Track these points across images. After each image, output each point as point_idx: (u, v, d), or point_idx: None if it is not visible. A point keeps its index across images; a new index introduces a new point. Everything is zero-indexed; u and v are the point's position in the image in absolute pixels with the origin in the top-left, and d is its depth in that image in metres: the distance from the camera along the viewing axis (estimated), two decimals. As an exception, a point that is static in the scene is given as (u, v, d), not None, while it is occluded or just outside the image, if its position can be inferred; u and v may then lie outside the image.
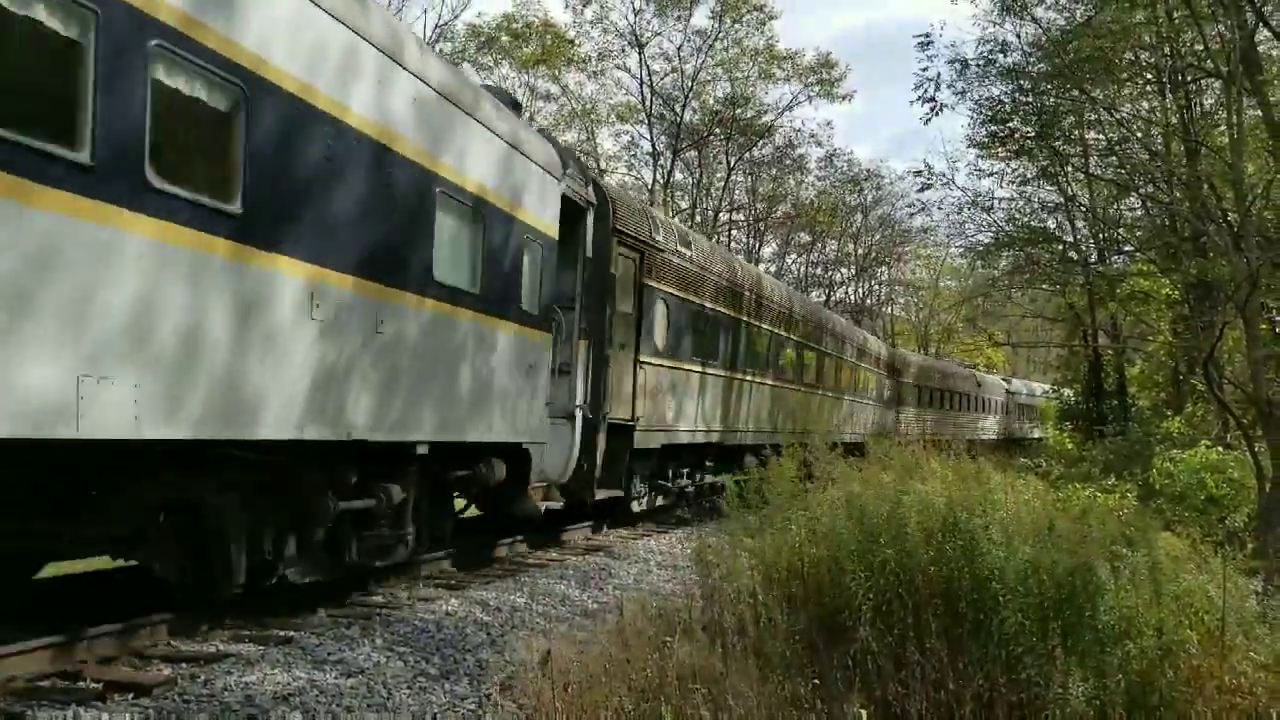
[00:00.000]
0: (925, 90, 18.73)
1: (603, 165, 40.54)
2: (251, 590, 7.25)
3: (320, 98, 6.93)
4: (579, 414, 11.87)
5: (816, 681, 5.43)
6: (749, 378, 18.80)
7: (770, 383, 20.14)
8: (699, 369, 16.21)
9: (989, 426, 45.13)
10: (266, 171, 6.46)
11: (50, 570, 8.09)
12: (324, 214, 7.03)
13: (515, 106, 11.26)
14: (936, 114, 18.51)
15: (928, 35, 19.06)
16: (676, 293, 15.24)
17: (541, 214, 10.71)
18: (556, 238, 11.11)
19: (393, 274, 7.84)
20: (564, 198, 11.35)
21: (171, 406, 5.73)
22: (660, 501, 15.89)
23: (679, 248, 15.55)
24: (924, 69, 23.84)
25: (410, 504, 8.65)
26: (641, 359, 13.89)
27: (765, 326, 19.68)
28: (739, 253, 45.01)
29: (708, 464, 17.64)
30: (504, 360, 9.85)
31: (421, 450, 8.54)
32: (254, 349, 6.37)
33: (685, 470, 16.67)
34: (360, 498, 7.98)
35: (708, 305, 16.56)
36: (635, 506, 14.76)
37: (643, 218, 14.35)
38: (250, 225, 6.30)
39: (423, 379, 8.35)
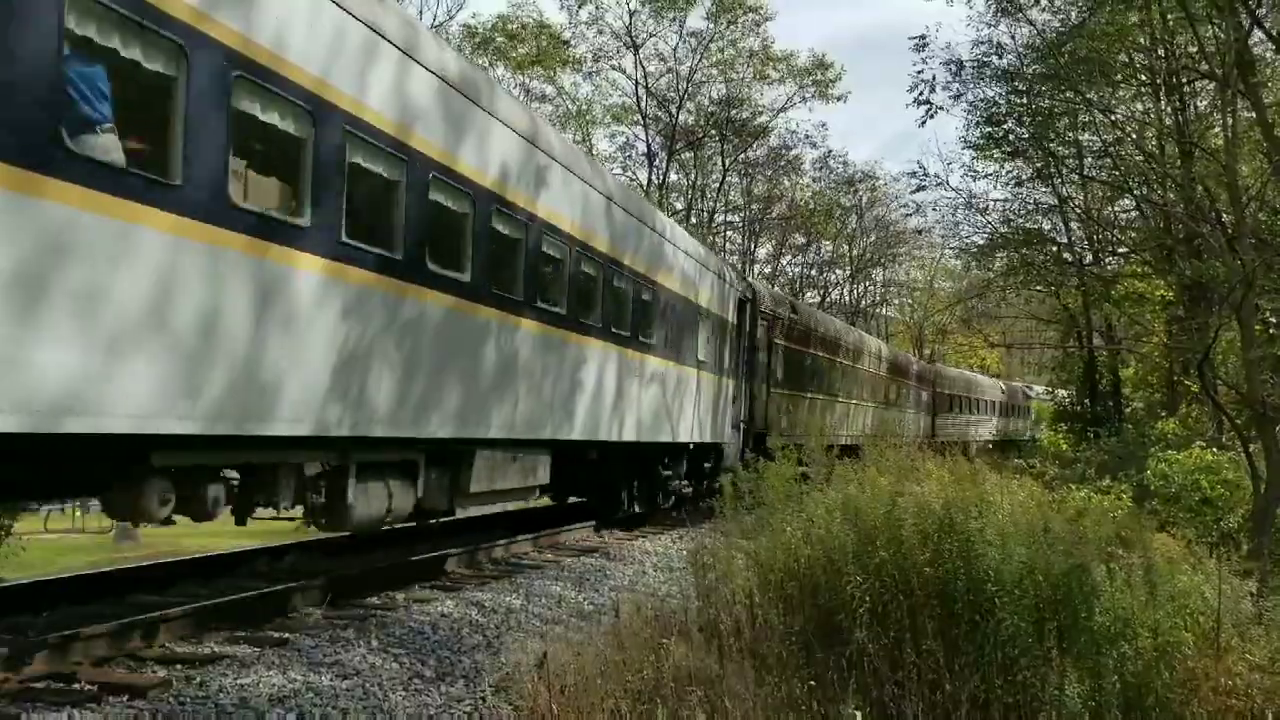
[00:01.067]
0: (920, 92, 18.76)
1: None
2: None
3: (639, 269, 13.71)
4: (741, 426, 18.94)
5: (813, 683, 5.43)
6: (839, 398, 26.67)
7: (852, 401, 28.04)
8: (805, 394, 23.28)
9: (1022, 428, 51.44)
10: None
11: (47, 571, 8.07)
12: (671, 335, 14.90)
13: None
14: (931, 116, 18.52)
15: (923, 37, 19.06)
16: (789, 344, 22.18)
17: (728, 311, 18.28)
18: (735, 322, 18.67)
19: (680, 354, 15.25)
20: (738, 300, 18.94)
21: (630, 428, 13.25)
22: None
23: (790, 315, 22.61)
24: (919, 71, 23.80)
25: (683, 472, 16.32)
26: (770, 389, 20.58)
27: (845, 361, 27.02)
28: (734, 254, 45.02)
29: None
30: (715, 395, 17.40)
31: (691, 445, 16.06)
32: (673, 401, 15.04)
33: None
34: (670, 469, 15.81)
35: (808, 350, 23.67)
36: None
37: (773, 300, 21.98)
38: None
39: (693, 406, 15.98)
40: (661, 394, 14.41)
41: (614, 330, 12.46)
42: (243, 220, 6.16)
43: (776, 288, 35.43)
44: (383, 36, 7.47)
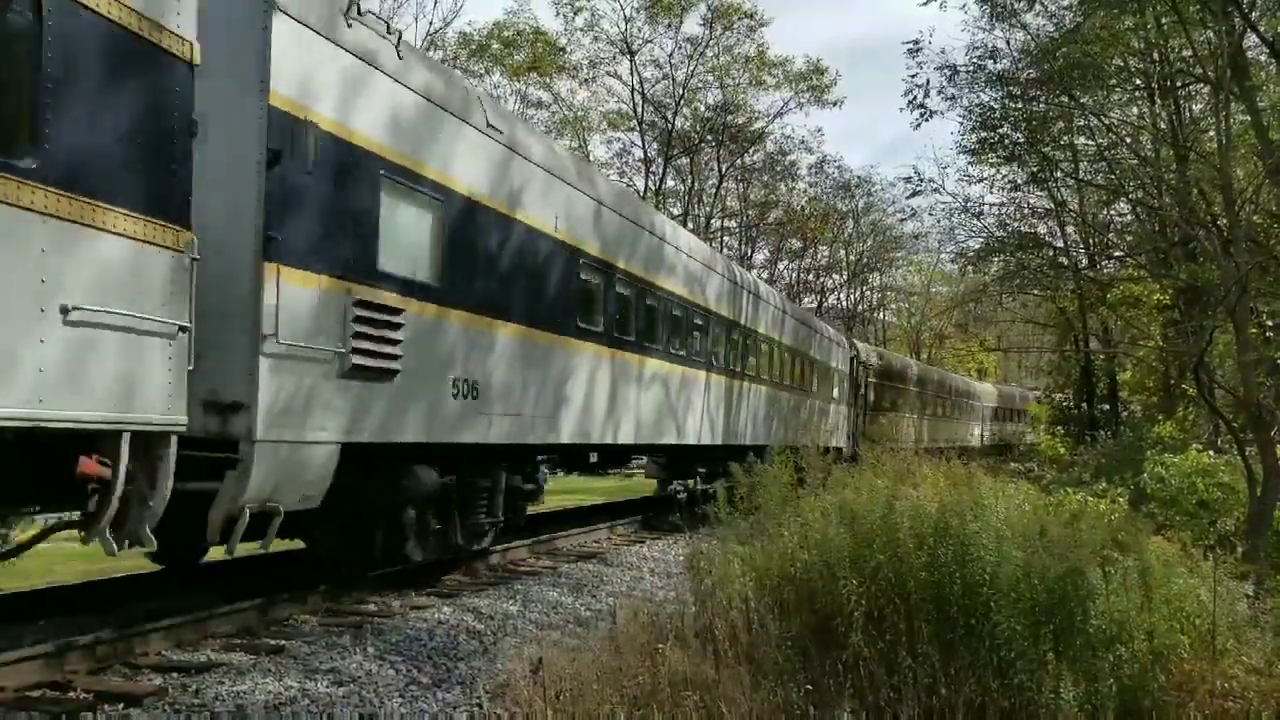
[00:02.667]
0: (915, 96, 18.82)
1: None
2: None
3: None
4: (850, 435, 27.79)
5: (809, 688, 5.43)
6: (911, 415, 35.79)
7: (924, 417, 37.63)
8: (885, 413, 32.15)
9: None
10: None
11: (46, 579, 8.05)
12: (823, 385, 25.69)
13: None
14: (926, 119, 18.58)
15: (917, 42, 19.15)
16: (876, 380, 31.77)
17: (845, 365, 28.05)
18: (848, 371, 28.39)
19: (830, 396, 26.33)
20: (849, 358, 28.59)
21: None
22: None
23: (877, 361, 32.37)
24: (913, 75, 23.83)
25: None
26: (866, 411, 30.20)
27: (912, 389, 36.37)
28: (732, 258, 45.05)
29: None
30: (842, 416, 27.54)
31: (829, 447, 21.87)
32: (825, 421, 25.77)
33: None
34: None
35: (889, 383, 33.41)
36: None
37: (866, 353, 31.55)
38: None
39: (833, 423, 26.29)
40: (823, 417, 25.35)
41: (796, 385, 22.63)
42: (587, 335, 11.94)
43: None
44: (613, 210, 12.89)
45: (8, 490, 5.66)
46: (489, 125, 9.59)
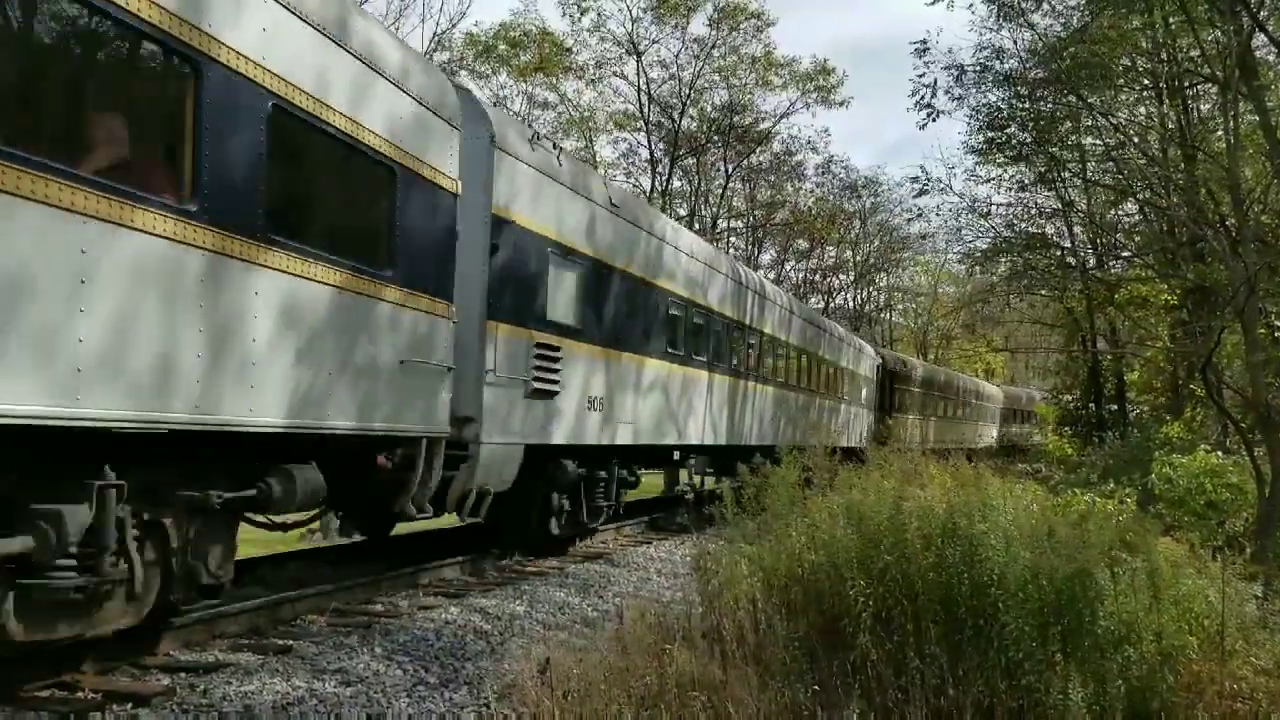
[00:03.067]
0: (922, 96, 18.79)
1: (601, 173, 40.52)
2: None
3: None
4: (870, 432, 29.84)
5: (816, 688, 5.42)
6: (928, 416, 37.75)
7: (937, 419, 39.39)
8: (907, 415, 34.60)
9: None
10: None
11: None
12: (854, 391, 29.05)
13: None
14: (933, 119, 18.55)
15: (924, 42, 19.10)
16: (913, 389, 35.60)
17: (871, 373, 30.70)
18: (874, 378, 31.13)
19: (856, 400, 29.07)
20: (875, 366, 30.93)
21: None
22: None
23: (901, 368, 34.58)
24: (920, 75, 23.79)
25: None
26: (888, 413, 32.34)
27: (936, 393, 39.06)
28: (739, 259, 45.02)
29: None
30: (867, 420, 30.14)
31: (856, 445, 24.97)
32: (852, 423, 28.55)
33: None
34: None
35: (908, 387, 35.16)
36: None
37: (891, 360, 34.19)
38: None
39: (859, 425, 29.24)
40: (848, 420, 27.78)
41: (833, 391, 26.13)
42: (674, 358, 15.01)
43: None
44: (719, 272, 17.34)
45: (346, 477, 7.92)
46: (611, 204, 12.77)
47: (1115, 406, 30.99)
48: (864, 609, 5.80)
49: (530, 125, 10.62)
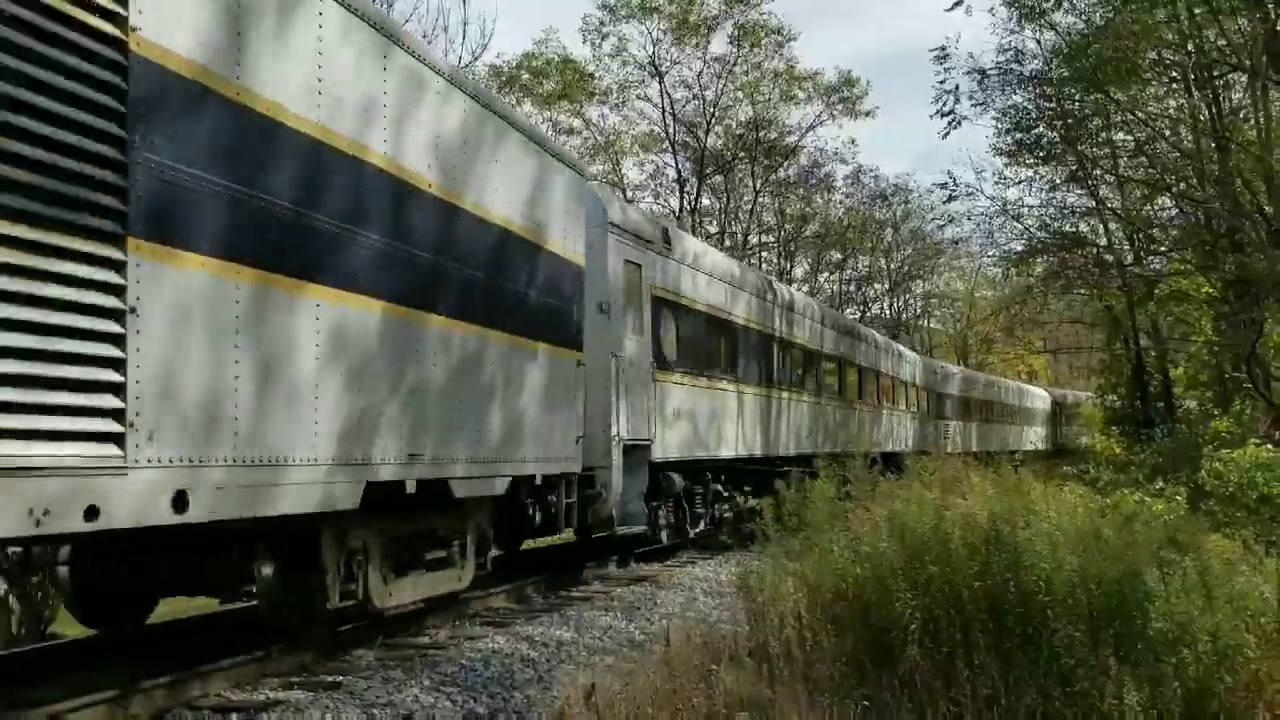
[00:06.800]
0: (944, 103, 18.72)
1: (630, 195, 40.67)
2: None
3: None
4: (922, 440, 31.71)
5: (866, 703, 5.37)
6: (973, 423, 39.36)
7: (983, 423, 41.27)
8: (947, 420, 36.15)
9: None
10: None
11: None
12: (910, 400, 31.23)
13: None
14: (956, 126, 18.46)
15: (944, 48, 19.06)
16: (951, 393, 37.05)
17: (916, 377, 31.50)
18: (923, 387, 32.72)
19: (905, 408, 30.31)
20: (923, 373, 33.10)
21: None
22: None
23: (937, 374, 36.04)
24: (941, 82, 23.65)
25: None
26: (935, 419, 34.39)
27: (975, 396, 40.31)
28: (771, 273, 45.06)
29: None
30: (922, 426, 31.98)
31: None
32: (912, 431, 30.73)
33: None
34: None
35: (953, 394, 37.21)
36: None
37: (939, 369, 36.86)
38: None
39: (912, 432, 30.57)
40: (910, 428, 30.08)
41: (892, 402, 28.14)
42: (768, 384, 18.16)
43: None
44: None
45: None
46: (712, 265, 15.66)
47: (1162, 403, 30.52)
48: (911, 621, 5.75)
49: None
